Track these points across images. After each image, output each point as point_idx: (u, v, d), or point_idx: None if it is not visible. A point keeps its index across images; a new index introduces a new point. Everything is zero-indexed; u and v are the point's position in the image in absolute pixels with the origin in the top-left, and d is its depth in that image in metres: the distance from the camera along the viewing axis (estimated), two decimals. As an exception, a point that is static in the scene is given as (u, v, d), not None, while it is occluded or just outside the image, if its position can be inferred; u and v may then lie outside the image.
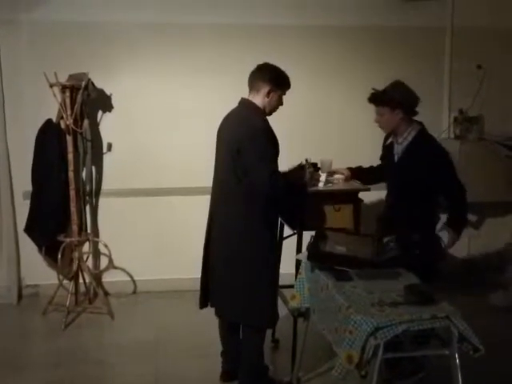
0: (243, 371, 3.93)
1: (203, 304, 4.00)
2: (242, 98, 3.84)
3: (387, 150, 4.11)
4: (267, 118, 3.82)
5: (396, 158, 4.00)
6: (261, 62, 3.87)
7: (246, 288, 3.73)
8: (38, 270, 5.58)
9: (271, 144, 3.66)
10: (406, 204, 3.89)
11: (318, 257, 3.53)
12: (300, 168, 4.04)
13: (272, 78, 3.75)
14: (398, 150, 3.98)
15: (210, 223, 3.94)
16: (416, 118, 3.96)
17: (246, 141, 3.59)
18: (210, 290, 3.94)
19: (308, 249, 3.60)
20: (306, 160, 4.08)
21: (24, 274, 5.67)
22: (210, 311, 4.01)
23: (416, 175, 3.83)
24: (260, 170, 3.54)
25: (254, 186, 3.60)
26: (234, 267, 3.75)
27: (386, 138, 4.16)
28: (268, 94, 3.75)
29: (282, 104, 3.87)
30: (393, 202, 4.06)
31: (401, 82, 3.94)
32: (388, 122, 3.93)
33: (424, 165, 3.80)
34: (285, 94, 3.86)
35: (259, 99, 3.77)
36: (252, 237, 3.71)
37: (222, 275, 3.82)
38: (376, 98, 3.94)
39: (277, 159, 3.72)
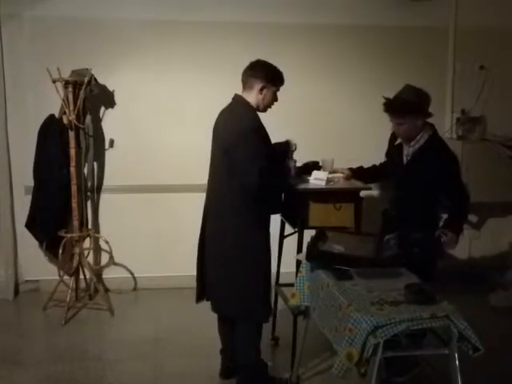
0: (241, 368, 3.94)
1: (199, 298, 4.00)
2: (236, 95, 3.83)
3: (395, 149, 4.07)
4: (260, 114, 3.79)
5: (405, 159, 3.97)
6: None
7: (239, 283, 3.73)
8: (38, 266, 5.59)
9: (261, 142, 3.63)
10: (412, 204, 3.88)
11: (316, 256, 3.53)
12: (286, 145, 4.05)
13: (265, 75, 3.73)
14: (409, 151, 3.94)
15: (204, 219, 3.94)
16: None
17: (235, 140, 3.58)
18: (206, 284, 3.93)
19: (307, 249, 3.61)
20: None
21: (24, 270, 5.69)
22: (209, 308, 4.01)
23: (424, 179, 3.81)
24: (248, 171, 3.52)
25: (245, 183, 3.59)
26: (228, 262, 3.75)
27: (393, 136, 4.11)
28: (261, 90, 3.73)
29: (276, 100, 3.84)
30: (398, 201, 4.05)
31: (413, 87, 3.84)
32: (410, 131, 3.85)
33: (433, 170, 3.78)
34: (279, 89, 3.83)
35: (253, 96, 3.76)
36: (245, 233, 3.71)
37: (216, 270, 3.83)
38: (394, 108, 3.81)
39: (267, 156, 3.64)
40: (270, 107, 3.84)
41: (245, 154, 3.55)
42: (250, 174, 3.51)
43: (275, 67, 3.79)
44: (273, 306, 4.58)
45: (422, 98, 3.82)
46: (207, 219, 3.91)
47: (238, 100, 3.80)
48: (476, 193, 5.41)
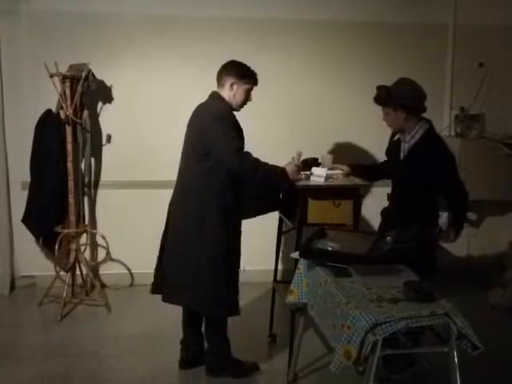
0: (209, 356, 4.04)
1: (155, 290, 4.10)
2: (212, 91, 3.94)
3: (394, 145, 4.08)
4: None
5: (402, 155, 3.97)
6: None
7: (193, 272, 3.79)
8: (34, 261, 5.57)
9: (234, 126, 3.74)
10: (409, 201, 3.88)
11: (309, 254, 3.53)
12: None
13: (235, 72, 3.84)
14: (405, 148, 3.95)
15: (169, 210, 4.03)
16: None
17: (208, 123, 3.71)
18: (166, 276, 3.98)
19: (301, 246, 3.61)
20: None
21: (20, 265, 5.67)
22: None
23: (420, 175, 3.81)
24: (225, 146, 3.63)
25: (220, 165, 3.67)
26: (188, 254, 3.81)
27: (393, 133, 4.13)
28: (231, 86, 3.84)
29: (250, 99, 3.92)
30: (397, 198, 4.04)
31: (406, 80, 3.88)
32: (393, 122, 3.90)
33: (428, 167, 3.78)
34: (251, 88, 3.90)
35: (225, 93, 3.87)
36: (204, 220, 3.76)
37: (173, 258, 3.91)
38: (379, 99, 3.89)
39: (243, 143, 3.76)
40: (243, 106, 3.92)
41: (219, 133, 3.65)
42: (228, 150, 3.61)
43: (247, 66, 3.89)
44: (270, 302, 4.58)
45: (410, 92, 3.84)
46: (171, 211, 4.01)
47: (214, 95, 3.91)
48: (474, 191, 5.40)
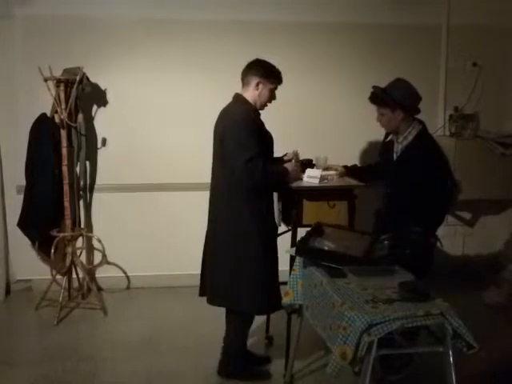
0: (225, 357, 4.04)
1: (201, 293, 4.08)
2: (236, 93, 3.94)
3: (387, 146, 4.08)
4: (261, 112, 3.90)
5: (395, 156, 3.98)
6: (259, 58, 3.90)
7: (232, 274, 3.81)
8: (30, 265, 5.55)
9: (251, 132, 3.71)
10: (402, 201, 3.87)
11: (305, 252, 3.54)
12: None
13: (260, 71, 3.84)
14: (398, 148, 3.96)
15: (209, 214, 4.03)
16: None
17: (226, 130, 3.73)
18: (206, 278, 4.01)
19: (297, 244, 3.62)
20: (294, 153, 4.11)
21: (16, 269, 5.66)
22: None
23: (413, 176, 3.80)
24: (237, 157, 3.64)
25: (235, 174, 3.69)
26: (218, 250, 3.86)
27: (386, 134, 4.14)
28: (257, 86, 3.83)
29: (274, 98, 3.93)
30: (389, 198, 4.05)
31: (403, 80, 3.90)
32: (389, 122, 3.90)
33: (421, 168, 3.78)
34: (276, 87, 3.91)
35: (250, 93, 3.86)
36: (235, 222, 3.79)
37: (211, 262, 3.93)
38: (376, 98, 3.90)
39: (260, 147, 3.73)
40: (267, 105, 3.92)
41: (233, 142, 3.67)
42: (238, 162, 3.63)
43: (271, 65, 3.89)
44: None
45: (407, 92, 3.85)
46: (209, 215, 4.01)
47: (237, 98, 3.90)
48: (469, 190, 5.44)
